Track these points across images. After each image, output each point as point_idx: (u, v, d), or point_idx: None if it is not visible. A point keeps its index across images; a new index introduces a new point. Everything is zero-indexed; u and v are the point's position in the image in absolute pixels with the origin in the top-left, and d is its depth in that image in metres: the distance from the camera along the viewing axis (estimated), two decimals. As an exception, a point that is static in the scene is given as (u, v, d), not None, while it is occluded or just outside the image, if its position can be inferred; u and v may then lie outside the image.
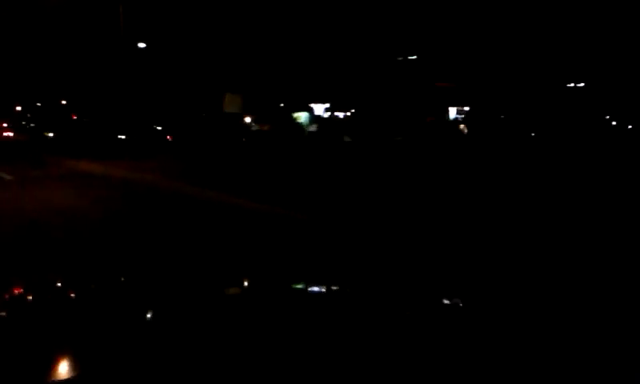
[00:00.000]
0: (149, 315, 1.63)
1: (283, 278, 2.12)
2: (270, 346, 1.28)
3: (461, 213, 8.73)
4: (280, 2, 38.84)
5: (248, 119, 38.85)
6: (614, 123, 35.28)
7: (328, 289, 1.98)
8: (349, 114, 42.29)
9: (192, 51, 41.01)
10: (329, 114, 42.68)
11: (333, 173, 15.26)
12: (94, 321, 1.45)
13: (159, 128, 35.19)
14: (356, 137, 31.61)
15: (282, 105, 40.33)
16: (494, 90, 37.93)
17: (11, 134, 40.97)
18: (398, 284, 2.21)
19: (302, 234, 7.43)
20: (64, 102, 51.44)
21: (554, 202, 9.85)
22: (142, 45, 31.54)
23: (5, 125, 42.23)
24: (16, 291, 1.87)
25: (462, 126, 38.41)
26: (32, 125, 48.92)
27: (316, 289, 2.00)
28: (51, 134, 39.13)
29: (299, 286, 2.04)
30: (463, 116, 40.65)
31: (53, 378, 1.16)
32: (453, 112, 41.27)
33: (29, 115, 55.13)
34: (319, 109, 42.32)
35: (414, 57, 39.62)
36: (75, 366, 1.21)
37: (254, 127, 36.98)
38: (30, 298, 1.79)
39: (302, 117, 39.07)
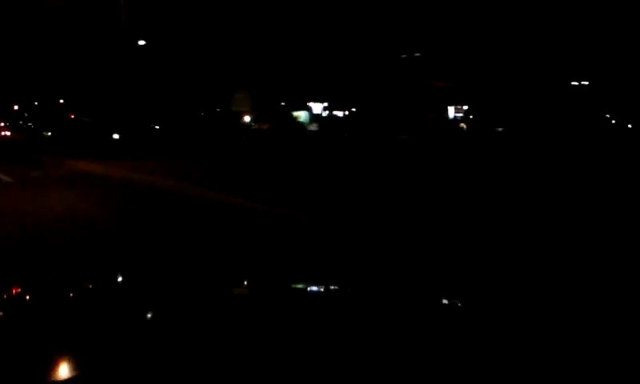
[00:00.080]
0: (149, 316, 1.64)
1: (284, 278, 2.11)
2: (271, 346, 1.28)
3: (464, 211, 8.70)
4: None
5: (247, 118, 38.74)
6: (613, 122, 35.24)
7: (327, 289, 1.98)
8: (347, 112, 42.20)
9: (191, 49, 40.86)
10: (327, 112, 42.60)
11: (340, 172, 15.09)
12: (94, 322, 1.45)
13: (157, 127, 35.06)
14: (359, 135, 31.53)
15: (282, 103, 40.16)
16: (494, 89, 37.86)
17: (9, 133, 40.84)
18: (399, 284, 2.19)
19: (312, 235, 7.30)
20: (62, 101, 51.15)
21: (555, 200, 9.80)
22: (141, 42, 31.35)
23: (2, 124, 42.09)
24: (17, 292, 1.86)
25: (461, 124, 38.47)
26: (30, 124, 48.77)
27: (315, 289, 2.00)
28: (49, 133, 38.92)
29: (299, 287, 2.04)
30: (462, 115, 40.69)
31: (53, 379, 1.16)
32: (451, 111, 41.27)
33: (26, 114, 54.98)
34: (317, 108, 42.25)
35: (418, 54, 39.52)
36: (75, 366, 1.22)
37: (254, 126, 36.89)
38: (31, 298, 1.79)
39: (302, 116, 38.95)
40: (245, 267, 3.19)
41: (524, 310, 1.71)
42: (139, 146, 23.72)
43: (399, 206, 9.37)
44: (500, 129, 34.49)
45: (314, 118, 39.82)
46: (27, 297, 1.82)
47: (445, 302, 1.86)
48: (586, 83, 37.43)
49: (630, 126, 33.37)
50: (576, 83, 37.54)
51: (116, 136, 25.91)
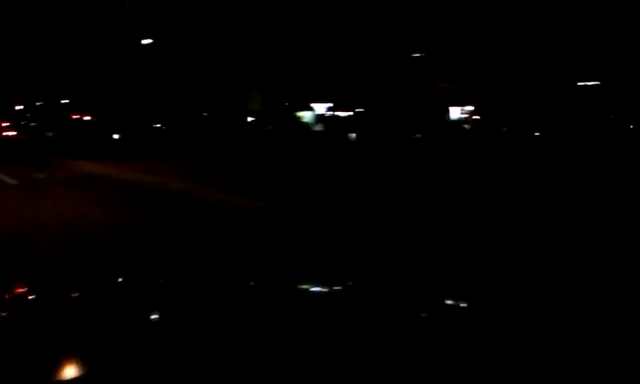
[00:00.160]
0: (150, 316, 1.63)
1: (287, 279, 2.10)
2: (272, 346, 1.28)
3: (468, 211, 8.74)
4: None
5: (251, 118, 38.61)
6: (615, 122, 35.16)
7: (332, 290, 1.98)
8: (351, 113, 42.04)
9: (195, 49, 40.69)
10: (330, 113, 42.43)
11: (350, 173, 14.91)
12: (102, 326, 1.45)
13: (161, 127, 34.92)
14: (368, 135, 31.46)
15: (286, 104, 39.97)
16: (499, 90, 37.76)
17: (12, 134, 40.77)
18: (401, 284, 2.18)
19: (326, 239, 7.16)
20: (65, 101, 50.96)
21: (561, 201, 9.80)
22: (146, 41, 31.12)
23: (5, 124, 42.01)
24: (25, 296, 1.86)
25: (465, 125, 38.45)
26: (32, 124, 48.63)
27: (319, 289, 2.00)
28: (52, 134, 38.80)
29: (303, 287, 2.05)
30: (466, 116, 40.65)
31: (54, 379, 1.17)
32: (456, 112, 41.18)
33: (29, 114, 54.85)
34: (319, 108, 42.07)
35: (421, 54, 39.40)
36: (76, 367, 1.22)
37: (258, 127, 36.77)
38: (39, 301, 1.77)
39: (306, 116, 38.79)
40: (250, 268, 3.11)
41: (526, 311, 1.68)
42: (145, 146, 23.56)
43: (408, 205, 9.32)
44: (505, 129, 34.50)
45: (319, 118, 39.66)
46: (36, 301, 1.79)
47: (446, 302, 1.85)
48: (591, 84, 37.30)
49: (631, 126, 33.28)
50: (583, 84, 37.41)
51: (120, 136, 25.75)
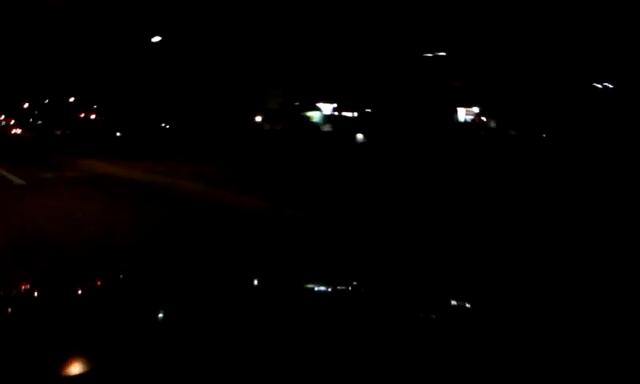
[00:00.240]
0: (150, 316, 1.63)
1: (291, 279, 2.11)
2: (273, 346, 1.28)
3: (472, 211, 8.73)
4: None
5: (258, 118, 38.46)
6: (629, 126, 35.01)
7: (337, 290, 1.97)
8: (356, 114, 41.87)
9: (202, 48, 40.56)
10: (337, 113, 42.26)
11: (362, 174, 14.67)
12: (111, 329, 1.42)
13: (170, 126, 34.79)
14: (379, 136, 31.31)
15: (297, 103, 39.78)
16: (509, 90, 37.57)
17: (19, 131, 40.78)
18: (407, 285, 2.18)
19: (335, 240, 7.11)
20: (72, 100, 50.88)
21: (569, 203, 9.79)
22: (155, 39, 30.94)
23: (13, 122, 42.03)
24: (35, 299, 1.85)
25: (474, 126, 38.38)
26: (40, 122, 48.60)
27: (323, 288, 2.01)
28: (60, 132, 38.70)
29: (310, 287, 2.05)
30: (473, 117, 40.55)
31: (55, 379, 1.17)
32: (462, 112, 41.10)
33: (36, 112, 54.85)
34: (326, 108, 41.89)
35: (430, 54, 39.22)
36: (77, 366, 1.22)
37: (266, 126, 36.64)
38: (48, 304, 1.76)
39: (315, 116, 38.61)
40: (260, 269, 3.19)
41: (528, 312, 1.67)
42: (155, 146, 23.39)
43: (417, 207, 9.24)
44: (513, 132, 34.41)
45: (327, 118, 39.48)
46: (44, 303, 1.78)
47: (447, 302, 1.85)
48: (600, 86, 37.09)
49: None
50: (599, 85, 37.19)
51: (130, 136, 25.61)
